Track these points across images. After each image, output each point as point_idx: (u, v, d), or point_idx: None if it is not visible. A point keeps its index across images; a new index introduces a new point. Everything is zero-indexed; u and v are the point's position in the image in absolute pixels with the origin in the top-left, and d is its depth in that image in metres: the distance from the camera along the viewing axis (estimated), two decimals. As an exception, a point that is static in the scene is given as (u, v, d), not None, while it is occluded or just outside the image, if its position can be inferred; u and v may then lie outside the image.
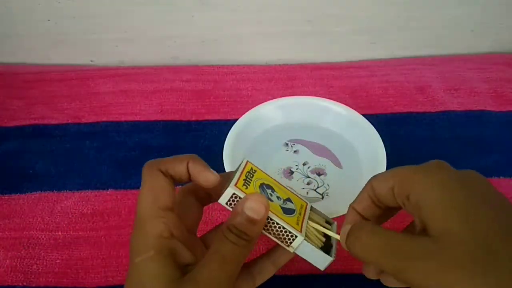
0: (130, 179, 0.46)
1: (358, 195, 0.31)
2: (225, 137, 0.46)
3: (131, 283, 0.28)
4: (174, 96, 0.56)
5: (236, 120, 0.48)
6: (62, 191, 0.45)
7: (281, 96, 0.51)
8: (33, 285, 0.38)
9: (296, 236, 0.29)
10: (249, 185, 0.31)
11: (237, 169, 0.32)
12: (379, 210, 0.30)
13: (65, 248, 0.41)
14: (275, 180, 0.34)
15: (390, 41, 0.62)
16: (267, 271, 0.33)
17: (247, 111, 0.49)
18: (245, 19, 0.58)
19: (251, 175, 0.32)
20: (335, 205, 0.42)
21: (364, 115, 0.49)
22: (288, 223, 0.29)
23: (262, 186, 0.32)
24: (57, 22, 0.57)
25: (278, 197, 0.32)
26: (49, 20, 0.57)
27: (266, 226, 0.30)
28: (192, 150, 0.49)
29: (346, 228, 0.29)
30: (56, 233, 0.42)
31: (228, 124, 0.48)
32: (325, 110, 0.50)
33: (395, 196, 0.28)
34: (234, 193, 0.29)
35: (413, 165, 0.28)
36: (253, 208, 0.28)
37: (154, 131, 0.52)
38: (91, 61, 0.63)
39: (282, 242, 0.30)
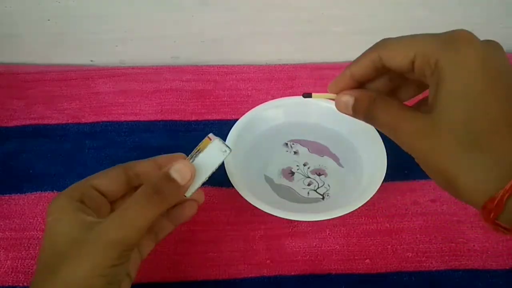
0: (130, 179, 0.46)
1: (358, 60, 0.30)
2: (225, 137, 0.46)
3: (44, 241, 0.29)
4: (174, 96, 0.56)
5: (236, 120, 0.48)
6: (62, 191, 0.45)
7: (281, 96, 0.51)
8: (34, 285, 0.38)
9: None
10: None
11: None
12: (379, 81, 0.31)
13: (65, 248, 0.41)
14: None
15: (390, 41, 0.62)
16: (167, 228, 0.35)
17: (247, 111, 0.49)
18: (245, 19, 0.58)
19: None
20: (336, 205, 0.42)
21: (364, 115, 0.49)
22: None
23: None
24: (57, 22, 0.57)
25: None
26: (49, 20, 0.57)
27: None
28: (192, 150, 0.49)
29: (349, 99, 0.30)
30: (56, 233, 0.42)
31: (228, 124, 0.48)
32: (325, 110, 0.50)
33: (415, 69, 0.26)
34: None
35: (436, 35, 0.26)
36: (180, 170, 0.30)
37: (154, 131, 0.52)
38: (91, 61, 0.63)
39: None
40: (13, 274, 0.39)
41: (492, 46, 0.26)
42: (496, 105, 0.24)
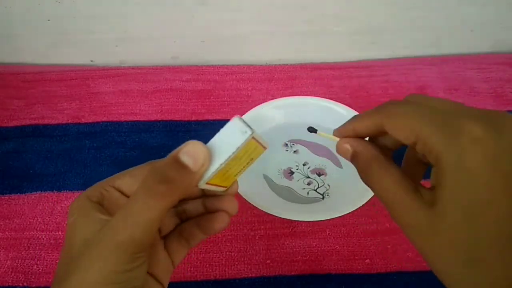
0: (130, 179, 0.46)
1: (362, 119, 0.27)
2: (225, 137, 0.46)
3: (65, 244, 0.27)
4: (174, 96, 0.56)
5: (236, 120, 0.48)
6: (62, 191, 0.45)
7: (281, 96, 0.51)
8: (34, 286, 0.38)
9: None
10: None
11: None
12: (387, 137, 0.28)
13: (65, 248, 0.41)
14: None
15: (390, 41, 0.62)
16: (198, 235, 0.31)
17: (247, 111, 0.49)
18: (245, 19, 0.58)
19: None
20: (336, 205, 0.42)
21: (364, 115, 0.49)
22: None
23: None
24: (57, 22, 0.57)
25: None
26: (49, 20, 0.57)
27: None
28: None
29: (348, 149, 0.28)
30: (57, 233, 0.42)
31: (228, 124, 0.48)
32: (325, 110, 0.50)
33: (417, 150, 0.24)
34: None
35: (441, 120, 0.23)
36: (191, 153, 0.25)
37: (154, 131, 0.52)
38: (91, 61, 0.63)
39: None
40: (13, 274, 0.39)
41: (506, 141, 0.22)
42: (500, 222, 0.21)
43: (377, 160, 0.26)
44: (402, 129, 0.24)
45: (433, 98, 0.26)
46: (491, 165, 0.21)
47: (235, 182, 0.31)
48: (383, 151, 0.27)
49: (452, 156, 0.22)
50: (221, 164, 0.26)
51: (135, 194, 0.25)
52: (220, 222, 0.30)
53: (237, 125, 0.26)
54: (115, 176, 0.30)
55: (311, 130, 0.32)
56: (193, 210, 0.31)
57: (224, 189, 0.30)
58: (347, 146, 0.28)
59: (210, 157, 0.25)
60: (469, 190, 0.21)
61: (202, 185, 0.26)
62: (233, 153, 0.26)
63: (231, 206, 0.31)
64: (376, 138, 0.28)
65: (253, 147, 0.27)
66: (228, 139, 0.26)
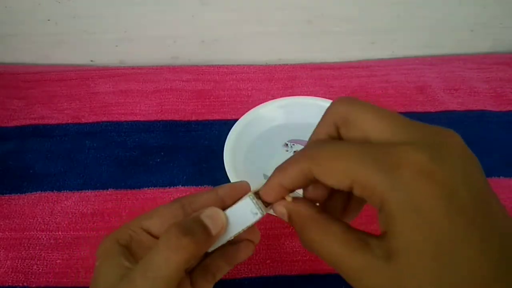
0: (130, 179, 0.46)
1: (286, 170, 0.24)
2: (225, 137, 0.46)
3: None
4: (174, 96, 0.56)
5: (236, 120, 0.48)
6: (62, 191, 0.45)
7: (281, 96, 0.52)
8: (34, 285, 0.38)
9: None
10: None
11: None
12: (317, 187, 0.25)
13: (65, 248, 0.41)
14: None
15: (390, 41, 0.62)
16: (224, 268, 0.31)
17: (247, 111, 0.49)
18: (245, 19, 0.58)
19: None
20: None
21: (364, 115, 0.49)
22: None
23: None
24: (57, 22, 0.57)
25: None
26: (49, 20, 0.57)
27: None
28: (192, 150, 0.49)
29: (283, 213, 0.25)
30: (57, 233, 0.42)
31: (228, 124, 0.48)
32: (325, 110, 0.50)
33: (355, 194, 0.21)
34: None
35: (374, 155, 0.20)
36: (212, 217, 0.26)
37: (154, 131, 0.52)
38: (91, 61, 0.63)
39: None
40: (13, 274, 0.39)
41: (455, 167, 0.19)
42: (472, 262, 0.18)
43: (314, 221, 0.23)
44: (334, 173, 0.21)
45: (365, 121, 0.22)
46: (444, 200, 0.18)
47: None
48: (320, 205, 0.25)
49: (397, 197, 0.19)
50: (230, 237, 0.28)
51: (156, 247, 0.25)
52: (246, 251, 0.30)
53: (249, 205, 0.27)
54: (144, 216, 0.29)
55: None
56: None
57: None
58: (280, 208, 0.25)
59: (227, 226, 0.27)
60: (426, 234, 0.18)
61: (210, 250, 0.28)
62: (243, 229, 0.28)
63: (254, 235, 0.31)
64: (306, 190, 0.25)
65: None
66: (241, 216, 0.27)
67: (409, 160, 0.19)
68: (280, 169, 0.24)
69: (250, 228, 0.30)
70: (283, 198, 0.25)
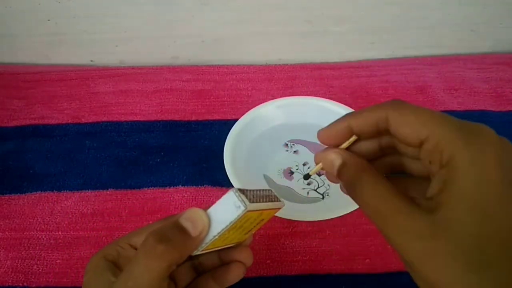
0: (130, 179, 0.46)
1: (361, 114, 0.24)
2: (225, 137, 0.46)
3: None
4: (174, 96, 0.56)
5: (236, 120, 0.48)
6: (62, 191, 0.45)
7: (281, 96, 0.52)
8: (34, 285, 0.38)
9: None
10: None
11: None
12: (368, 143, 0.26)
13: (65, 248, 0.41)
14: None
15: (390, 41, 0.62)
16: None
17: (247, 111, 0.49)
18: (245, 19, 0.58)
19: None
20: (336, 204, 0.42)
21: (364, 115, 0.49)
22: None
23: None
24: (57, 22, 0.58)
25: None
26: (49, 20, 0.57)
27: None
28: (192, 150, 0.49)
29: (336, 159, 0.25)
30: (57, 233, 0.42)
31: (228, 124, 0.48)
32: (325, 110, 0.50)
33: (422, 151, 0.23)
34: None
35: (456, 121, 0.22)
36: (191, 219, 0.26)
37: (154, 131, 0.52)
38: (91, 61, 0.63)
39: None
40: (13, 274, 0.39)
41: (509, 148, 0.22)
42: (511, 226, 0.20)
43: (369, 169, 0.24)
44: (412, 123, 0.22)
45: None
46: (503, 171, 0.21)
47: (250, 235, 0.31)
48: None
49: (468, 155, 0.21)
50: (214, 236, 0.26)
51: (136, 257, 0.25)
52: (235, 273, 0.30)
53: (232, 198, 0.26)
54: (133, 233, 0.30)
55: (306, 177, 0.31)
56: (209, 263, 0.31)
57: (234, 244, 0.30)
58: (334, 156, 0.25)
59: (209, 225, 0.26)
60: (481, 190, 0.20)
61: (197, 252, 0.27)
62: (227, 226, 0.26)
63: (246, 256, 0.31)
64: (354, 144, 0.26)
65: (256, 215, 0.27)
66: (224, 211, 0.26)
67: (485, 132, 0.21)
68: (353, 113, 0.25)
69: (243, 249, 0.29)
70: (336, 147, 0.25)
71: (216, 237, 0.26)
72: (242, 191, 0.26)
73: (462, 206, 0.20)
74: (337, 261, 0.40)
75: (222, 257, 0.31)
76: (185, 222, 0.26)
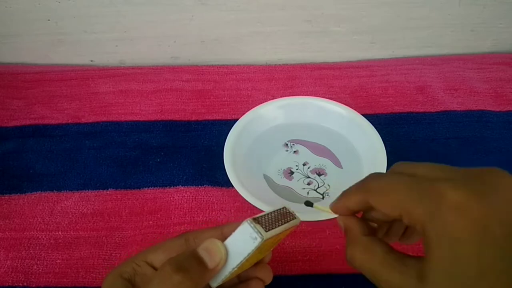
0: (130, 179, 0.46)
1: (349, 196, 0.27)
2: (225, 137, 0.46)
3: None
4: (174, 96, 0.56)
5: (236, 120, 0.48)
6: (62, 191, 0.45)
7: (281, 96, 0.52)
8: (34, 285, 0.38)
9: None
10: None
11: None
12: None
13: (65, 248, 0.41)
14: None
15: (390, 41, 0.62)
16: None
17: (247, 111, 0.49)
18: (245, 19, 0.58)
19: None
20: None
21: (364, 115, 0.49)
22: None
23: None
24: (57, 22, 0.58)
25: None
26: (49, 20, 0.57)
27: None
28: (192, 150, 0.49)
29: (340, 224, 0.28)
30: (57, 233, 0.42)
31: (228, 124, 0.48)
32: (325, 110, 0.50)
33: (404, 222, 0.24)
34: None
35: (424, 190, 0.22)
36: (209, 250, 0.26)
37: (154, 131, 0.52)
38: (91, 61, 0.63)
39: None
40: (13, 274, 0.39)
41: (492, 203, 0.21)
42: None
43: (360, 239, 0.26)
44: (386, 204, 0.24)
45: (416, 164, 0.25)
46: (477, 233, 0.20)
47: (269, 252, 0.31)
48: (373, 226, 0.28)
49: (435, 227, 0.21)
50: (233, 268, 0.27)
51: (151, 283, 0.25)
52: None
53: (247, 230, 0.26)
54: (149, 250, 0.30)
55: (308, 204, 0.32)
56: (227, 281, 0.31)
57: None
58: (340, 223, 0.28)
59: (226, 257, 0.26)
60: (456, 262, 0.20)
61: (216, 284, 0.27)
62: (245, 258, 0.26)
63: (265, 274, 0.31)
64: (367, 213, 0.28)
65: (273, 238, 0.28)
66: (241, 243, 0.26)
67: (448, 196, 0.21)
68: (345, 194, 0.27)
69: (262, 266, 0.29)
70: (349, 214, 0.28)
71: (235, 268, 0.27)
72: (256, 220, 0.26)
73: (442, 281, 0.21)
74: (337, 261, 0.40)
75: (241, 275, 0.31)
76: (203, 252, 0.26)
